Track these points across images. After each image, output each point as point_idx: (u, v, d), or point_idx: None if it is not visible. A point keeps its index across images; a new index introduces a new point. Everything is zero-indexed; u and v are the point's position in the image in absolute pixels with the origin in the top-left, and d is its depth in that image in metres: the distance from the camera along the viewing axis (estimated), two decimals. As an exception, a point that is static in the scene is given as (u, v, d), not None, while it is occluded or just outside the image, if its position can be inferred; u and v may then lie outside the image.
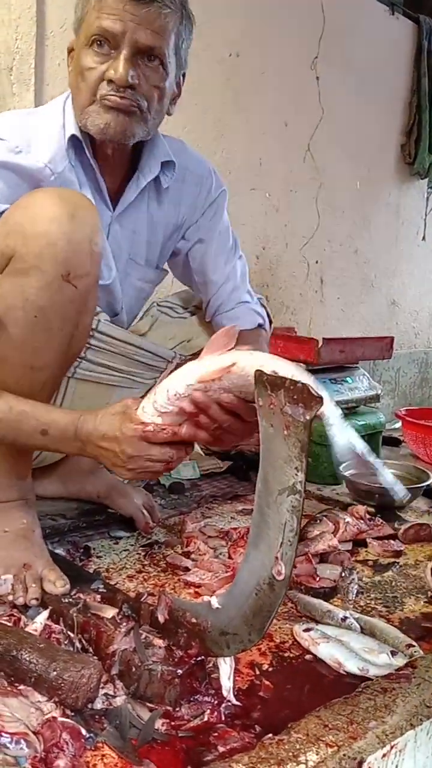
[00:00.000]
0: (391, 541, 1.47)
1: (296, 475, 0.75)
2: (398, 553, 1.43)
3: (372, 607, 1.19)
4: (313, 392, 0.73)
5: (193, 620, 0.88)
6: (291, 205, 2.47)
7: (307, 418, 0.74)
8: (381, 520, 1.55)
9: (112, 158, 1.19)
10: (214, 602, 0.86)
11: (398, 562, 1.39)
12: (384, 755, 0.77)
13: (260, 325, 1.41)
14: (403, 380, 3.17)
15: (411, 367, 3.22)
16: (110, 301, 1.33)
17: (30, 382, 1.04)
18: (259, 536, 0.80)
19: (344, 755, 0.75)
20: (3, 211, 1.04)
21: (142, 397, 0.98)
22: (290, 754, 0.74)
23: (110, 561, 1.31)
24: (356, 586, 1.25)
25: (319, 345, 1.87)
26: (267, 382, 0.77)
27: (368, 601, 1.22)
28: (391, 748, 0.78)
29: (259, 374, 0.79)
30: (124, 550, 1.36)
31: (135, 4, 1.04)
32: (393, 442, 2.41)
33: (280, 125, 2.38)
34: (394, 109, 2.92)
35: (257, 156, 2.31)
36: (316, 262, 2.61)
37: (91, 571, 1.24)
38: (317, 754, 0.74)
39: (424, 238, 3.20)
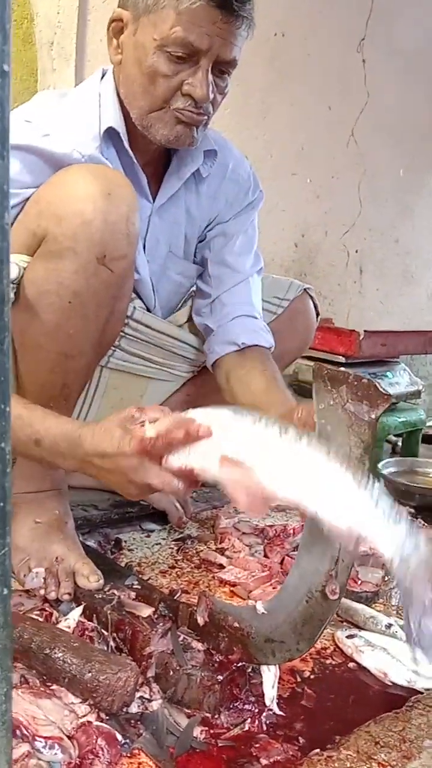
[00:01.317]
0: (434, 544, 1.41)
1: (357, 476, 0.69)
2: (441, 557, 1.37)
3: (416, 614, 1.14)
4: (380, 389, 0.68)
5: (236, 624, 0.84)
6: (332, 192, 2.40)
7: (373, 416, 0.68)
8: (422, 521, 1.49)
9: (152, 149, 1.13)
10: (260, 607, 0.81)
11: (441, 567, 1.33)
12: (440, 778, 0.73)
13: (271, 347, 1.28)
14: (441, 376, 3.08)
15: (450, 363, 3.13)
16: (143, 298, 1.27)
17: (63, 370, 1.00)
18: (313, 541, 0.74)
19: (398, 777, 0.70)
20: (28, 198, 0.99)
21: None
22: (340, 773, 0.69)
23: (142, 555, 1.27)
24: (398, 592, 1.20)
25: (360, 337, 1.81)
26: (327, 377, 0.72)
27: (412, 608, 1.16)
28: (447, 771, 0.73)
29: (319, 368, 0.73)
30: (156, 544, 1.32)
31: (227, 22, 0.99)
32: (430, 439, 2.33)
33: (324, 109, 2.31)
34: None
35: (299, 140, 2.23)
36: (356, 251, 2.53)
37: (122, 564, 1.21)
38: (369, 775, 0.69)
39: (467, 229, 3.09)
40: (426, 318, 2.98)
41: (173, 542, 1.33)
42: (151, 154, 1.15)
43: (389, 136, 2.56)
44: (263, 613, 0.81)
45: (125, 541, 1.31)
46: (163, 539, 1.35)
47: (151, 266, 1.24)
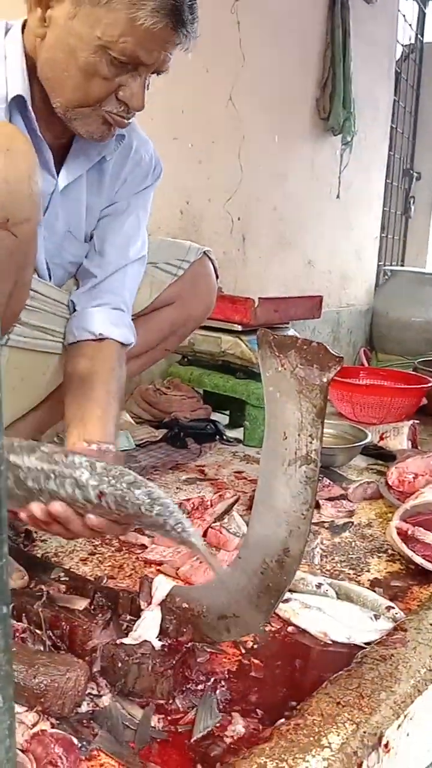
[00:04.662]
0: (343, 501, 1.46)
1: (311, 443, 0.68)
2: (351, 513, 1.42)
3: (339, 570, 1.17)
4: (331, 352, 0.66)
5: (185, 605, 0.81)
6: (213, 158, 2.36)
7: (324, 380, 0.67)
8: (329, 480, 1.53)
9: (57, 125, 1.04)
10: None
11: (352, 522, 1.38)
12: (399, 726, 0.75)
13: (129, 345, 1.22)
14: (318, 339, 3.20)
15: (325, 327, 3.25)
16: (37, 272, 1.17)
17: None
18: (264, 510, 0.73)
19: (365, 732, 0.71)
20: None
21: None
22: (311, 738, 0.69)
23: (57, 544, 1.19)
24: (320, 550, 1.23)
25: (256, 305, 1.81)
26: (274, 343, 0.69)
27: (334, 565, 1.19)
28: (404, 717, 0.76)
29: (264, 333, 0.71)
30: (70, 530, 1.25)
31: (178, 42, 0.95)
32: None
33: (202, 71, 2.25)
34: (309, 61, 2.86)
35: (179, 103, 2.17)
36: (239, 218, 2.53)
37: (38, 556, 1.13)
38: (338, 735, 0.70)
39: (338, 196, 3.20)
40: (303, 284, 3.07)
41: (88, 527, 1.27)
42: (55, 128, 1.06)
43: (265, 102, 2.56)
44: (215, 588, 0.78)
45: (36, 532, 1.23)
46: (76, 525, 1.28)
47: (47, 244, 1.15)
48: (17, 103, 0.99)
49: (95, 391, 1.06)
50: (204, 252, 1.40)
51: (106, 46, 0.92)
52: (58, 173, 1.10)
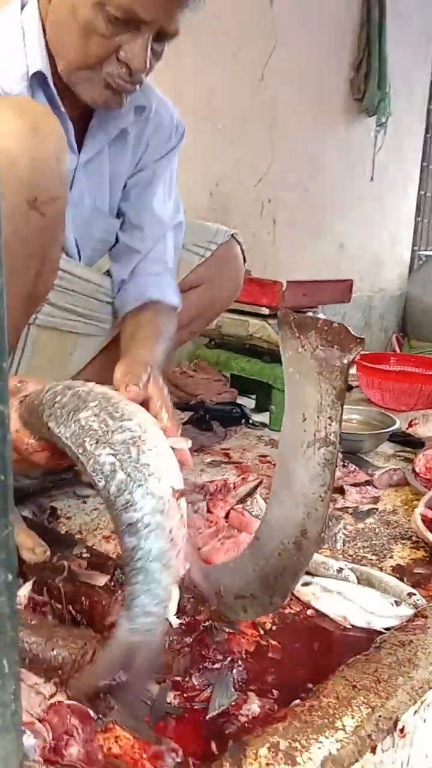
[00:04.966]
0: (368, 487, 1.45)
1: (330, 425, 0.68)
2: (376, 499, 1.41)
3: (362, 556, 1.16)
4: (352, 333, 0.65)
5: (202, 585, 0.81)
6: (244, 139, 2.34)
7: (344, 362, 0.66)
8: (354, 466, 1.52)
9: (77, 99, 1.03)
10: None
11: (377, 509, 1.37)
12: (415, 711, 0.74)
13: (176, 308, 1.24)
14: (348, 324, 3.16)
15: (356, 312, 3.21)
16: (66, 251, 1.17)
17: None
18: (283, 492, 0.72)
19: (380, 716, 0.71)
20: None
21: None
22: (325, 720, 0.69)
23: (81, 522, 1.21)
24: (342, 535, 1.22)
25: (284, 288, 1.79)
26: (294, 324, 0.69)
27: (356, 550, 1.19)
28: (421, 703, 0.75)
29: (285, 313, 0.70)
30: (94, 510, 1.27)
31: None
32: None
33: (234, 51, 2.22)
34: (344, 42, 2.80)
35: (209, 84, 2.15)
36: (269, 201, 2.50)
37: (63, 532, 1.15)
38: (353, 718, 0.70)
39: (372, 179, 3.14)
40: (334, 268, 3.03)
41: (112, 506, 1.28)
42: (77, 102, 1.05)
43: (297, 84, 2.52)
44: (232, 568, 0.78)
45: (61, 509, 1.25)
46: (101, 504, 1.29)
47: (75, 222, 1.16)
48: (38, 79, 0.98)
49: (143, 330, 1.08)
50: (231, 234, 1.39)
51: (102, 1, 0.90)
52: (79, 149, 1.10)
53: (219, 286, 1.38)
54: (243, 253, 1.41)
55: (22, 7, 1.00)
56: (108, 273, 1.27)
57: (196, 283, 1.37)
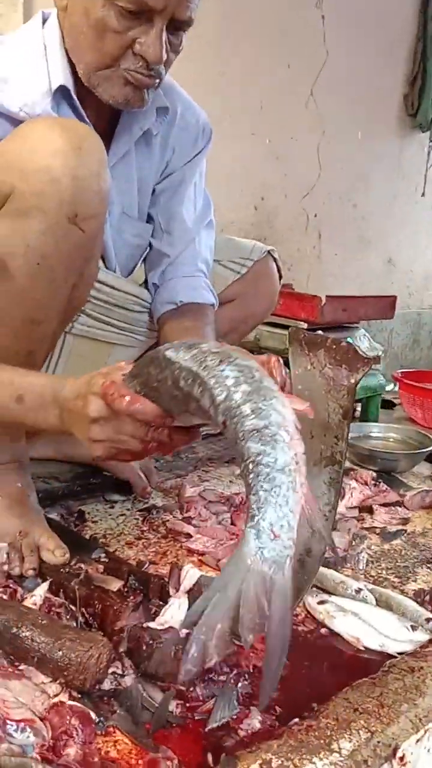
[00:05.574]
0: (398, 508, 1.42)
1: (336, 444, 0.68)
2: (405, 521, 1.38)
3: (384, 578, 1.14)
4: (360, 353, 0.65)
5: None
6: (291, 154, 2.35)
7: (352, 381, 0.66)
8: (386, 486, 1.50)
9: (101, 105, 1.04)
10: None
11: (406, 530, 1.34)
12: (418, 740, 0.73)
13: (212, 305, 1.25)
14: (396, 341, 3.12)
15: (404, 329, 3.16)
16: (104, 260, 1.20)
17: (29, 337, 0.94)
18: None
19: (378, 742, 0.70)
20: None
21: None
22: (322, 741, 0.69)
23: (107, 527, 1.24)
24: (366, 555, 1.20)
25: (322, 303, 1.79)
26: (304, 341, 0.69)
27: (379, 571, 1.17)
28: (425, 732, 0.74)
29: (295, 331, 0.70)
30: (121, 515, 1.29)
31: None
32: (386, 404, 2.35)
33: (283, 67, 2.24)
34: (398, 56, 2.78)
35: (258, 99, 2.17)
36: (315, 215, 2.50)
37: (87, 537, 1.17)
38: (350, 741, 0.69)
39: (423, 194, 3.09)
40: (382, 283, 2.99)
41: (138, 513, 1.30)
42: (101, 111, 1.07)
43: (348, 98, 2.52)
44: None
45: (88, 513, 1.28)
46: (128, 510, 1.32)
47: (106, 228, 1.19)
48: (62, 92, 1.00)
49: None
50: (268, 251, 1.40)
51: None
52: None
53: (253, 302, 1.38)
54: (279, 270, 1.41)
55: (44, 22, 1.03)
56: (144, 284, 1.30)
57: (231, 298, 1.38)
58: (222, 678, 0.82)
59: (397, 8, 2.73)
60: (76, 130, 0.90)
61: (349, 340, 1.95)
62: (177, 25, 0.96)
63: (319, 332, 0.67)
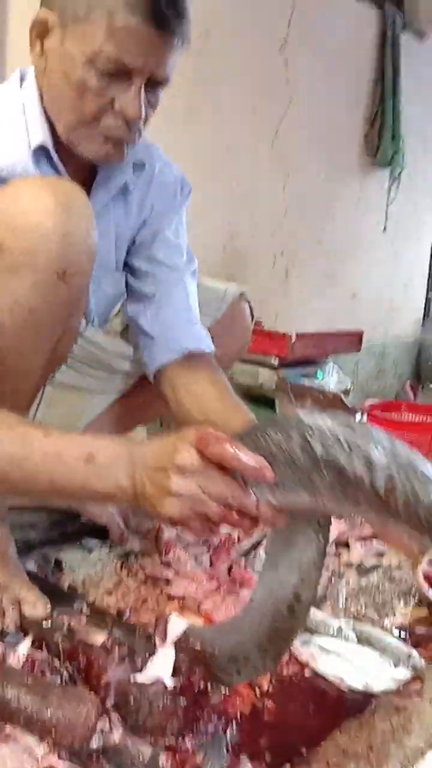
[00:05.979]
0: (373, 541, 1.44)
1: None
2: (381, 555, 1.40)
3: (363, 614, 1.16)
4: (344, 401, 0.67)
5: (197, 646, 0.82)
6: (258, 194, 2.41)
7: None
8: (361, 519, 1.52)
9: (79, 161, 1.06)
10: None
11: (381, 564, 1.36)
12: (407, 783, 0.74)
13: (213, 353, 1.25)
14: (362, 372, 3.18)
15: (369, 360, 3.23)
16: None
17: (12, 389, 0.94)
18: (278, 555, 0.74)
19: (369, 787, 0.70)
20: None
21: None
22: (314, 790, 0.69)
23: (85, 574, 1.22)
24: (345, 592, 1.22)
25: (293, 340, 1.82)
26: (290, 390, 0.71)
27: (358, 607, 1.18)
28: (414, 774, 0.75)
29: (281, 381, 0.72)
30: (99, 560, 1.28)
31: (162, 42, 0.93)
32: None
33: (249, 110, 2.31)
34: (359, 98, 2.89)
35: (225, 142, 2.23)
36: (282, 253, 2.56)
37: (65, 586, 1.16)
38: (342, 789, 0.69)
39: (384, 229, 3.20)
40: (347, 317, 3.06)
41: (116, 558, 1.29)
42: (79, 167, 1.08)
43: (312, 139, 2.60)
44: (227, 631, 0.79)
45: (65, 562, 1.26)
46: (106, 555, 1.30)
47: None
48: (42, 150, 1.02)
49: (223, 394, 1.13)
50: (240, 293, 1.42)
51: (91, 59, 0.92)
52: None
53: (226, 343, 1.40)
54: (252, 310, 1.44)
55: (21, 80, 1.04)
56: (121, 334, 1.31)
57: (206, 341, 1.39)
58: (210, 728, 0.82)
59: (357, 53, 2.85)
60: (65, 189, 0.91)
61: (319, 374, 1.99)
62: (154, 83, 0.98)
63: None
